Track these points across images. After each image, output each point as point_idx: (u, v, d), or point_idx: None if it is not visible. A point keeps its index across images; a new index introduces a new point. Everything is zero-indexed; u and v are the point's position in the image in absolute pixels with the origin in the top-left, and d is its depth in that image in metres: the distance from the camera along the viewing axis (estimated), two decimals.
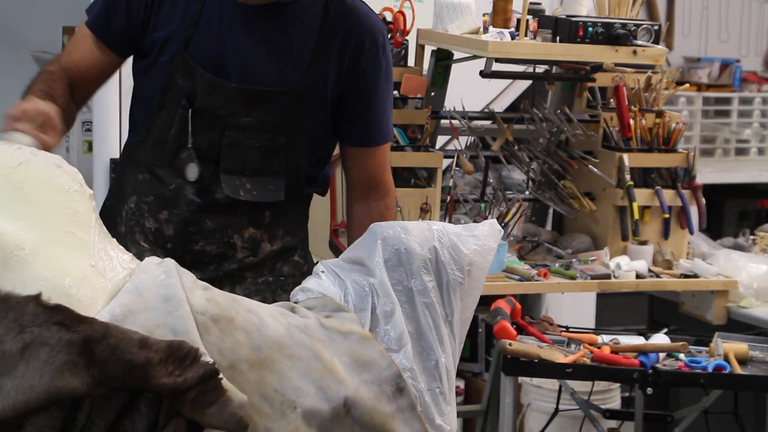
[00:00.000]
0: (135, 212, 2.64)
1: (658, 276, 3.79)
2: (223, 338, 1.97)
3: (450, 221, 3.75)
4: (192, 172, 2.60)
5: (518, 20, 3.61)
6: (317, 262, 2.40)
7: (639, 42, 3.60)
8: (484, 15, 3.68)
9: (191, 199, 2.60)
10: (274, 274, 2.67)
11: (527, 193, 4.03)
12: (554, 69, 3.86)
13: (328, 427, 2.03)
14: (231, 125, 2.58)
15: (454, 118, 3.83)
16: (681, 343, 3.32)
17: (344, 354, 2.09)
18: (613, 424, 3.91)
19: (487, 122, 4.01)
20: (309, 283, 2.27)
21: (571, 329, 3.52)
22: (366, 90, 2.69)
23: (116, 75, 4.30)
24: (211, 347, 1.94)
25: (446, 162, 3.78)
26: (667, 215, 3.89)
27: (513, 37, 3.58)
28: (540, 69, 3.87)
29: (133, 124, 2.74)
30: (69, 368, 1.81)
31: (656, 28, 3.64)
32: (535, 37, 3.61)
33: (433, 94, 3.81)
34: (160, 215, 2.62)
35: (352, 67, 2.65)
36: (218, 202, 2.61)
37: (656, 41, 3.63)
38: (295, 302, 2.22)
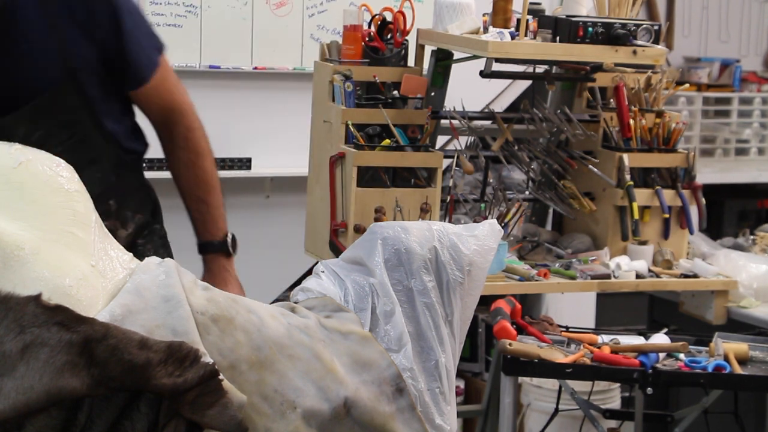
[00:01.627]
0: None
1: (658, 276, 3.79)
2: (223, 338, 1.97)
3: (450, 221, 3.75)
4: None
5: (518, 20, 3.61)
6: (317, 263, 2.40)
7: (639, 42, 3.60)
8: (484, 15, 3.68)
9: None
10: (136, 250, 2.65)
11: (527, 193, 4.03)
12: (554, 69, 3.86)
13: (328, 428, 2.03)
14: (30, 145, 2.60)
15: (454, 118, 3.83)
16: (681, 343, 3.32)
17: (344, 354, 2.09)
18: (613, 424, 3.91)
19: (487, 122, 4.01)
20: (309, 283, 2.27)
21: (571, 329, 3.52)
22: (115, 36, 2.69)
23: None
24: (211, 347, 1.94)
25: (446, 162, 3.78)
26: (667, 215, 3.89)
27: (513, 37, 3.58)
28: (540, 69, 3.87)
29: None
30: (69, 369, 1.81)
31: (656, 28, 3.64)
32: (535, 37, 3.61)
33: (433, 94, 3.81)
34: None
35: (92, 23, 2.64)
36: None
37: (656, 41, 3.63)
38: (295, 302, 2.22)
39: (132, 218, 2.69)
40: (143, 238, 2.73)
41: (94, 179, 2.59)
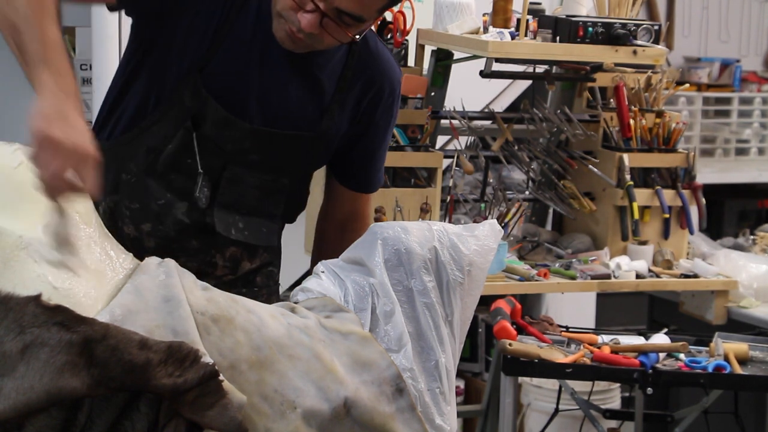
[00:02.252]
0: (114, 213, 2.49)
1: (658, 276, 3.79)
2: (223, 338, 1.97)
3: (450, 221, 3.75)
4: (203, 199, 2.46)
5: (518, 20, 3.61)
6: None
7: (639, 42, 3.60)
8: (484, 15, 3.68)
9: (180, 219, 2.47)
10: (248, 286, 2.61)
11: (527, 193, 4.03)
12: (554, 69, 3.86)
13: (328, 428, 2.03)
14: (236, 160, 2.46)
15: (454, 118, 3.83)
16: (681, 343, 3.32)
17: (344, 354, 2.09)
18: (613, 424, 3.91)
19: (487, 122, 4.01)
20: (309, 283, 2.27)
21: (571, 329, 3.52)
22: (375, 140, 2.61)
23: None
24: (211, 347, 1.94)
25: (446, 162, 3.78)
26: (667, 215, 3.89)
27: (513, 37, 3.58)
28: (540, 69, 3.87)
29: (116, 108, 2.53)
30: (69, 369, 1.80)
31: (656, 28, 3.64)
32: (535, 37, 3.61)
33: (433, 94, 3.81)
34: (143, 226, 2.47)
35: (366, 113, 2.56)
36: (206, 227, 2.49)
37: (656, 41, 3.63)
38: (295, 302, 2.22)
39: (260, 255, 2.64)
40: (261, 275, 2.68)
41: (260, 231, 2.56)
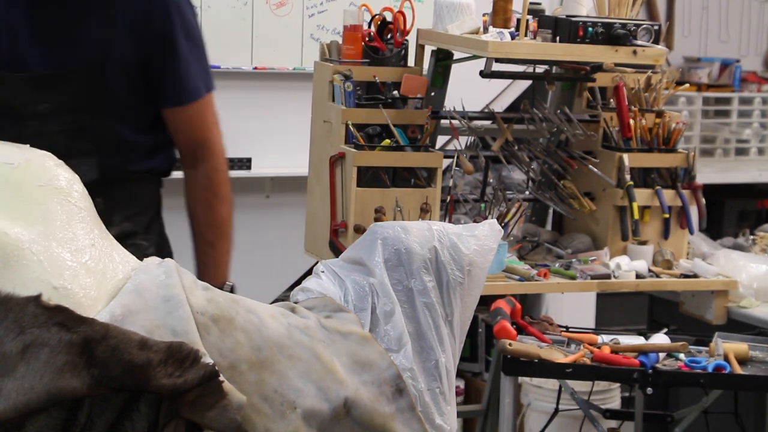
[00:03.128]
0: None
1: (658, 276, 3.79)
2: (224, 339, 1.97)
3: (450, 221, 3.75)
4: None
5: (518, 20, 3.61)
6: (317, 263, 2.40)
7: (639, 42, 3.60)
8: (484, 15, 3.68)
9: None
10: None
11: (527, 193, 4.03)
12: (554, 69, 3.86)
13: (328, 428, 2.03)
14: (28, 115, 2.52)
15: (454, 118, 3.83)
16: (681, 343, 3.32)
17: (344, 354, 2.09)
18: (613, 424, 3.91)
19: (487, 122, 4.01)
20: (309, 283, 2.27)
21: (571, 329, 3.52)
22: (166, 51, 2.68)
23: None
24: (211, 348, 1.94)
25: (446, 162, 3.78)
26: (667, 215, 3.89)
27: (513, 37, 3.58)
28: (540, 69, 3.87)
29: None
30: (69, 369, 1.81)
31: (656, 28, 3.64)
32: (535, 37, 3.61)
33: (433, 94, 3.81)
34: None
35: (146, 30, 2.63)
36: None
37: (656, 41, 3.63)
38: (295, 302, 2.22)
39: (118, 223, 2.66)
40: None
41: (81, 169, 2.56)
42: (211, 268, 2.89)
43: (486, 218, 3.61)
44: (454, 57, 3.80)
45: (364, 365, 2.10)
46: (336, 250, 3.60)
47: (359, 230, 3.53)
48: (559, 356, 3.24)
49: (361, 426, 2.07)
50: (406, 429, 2.09)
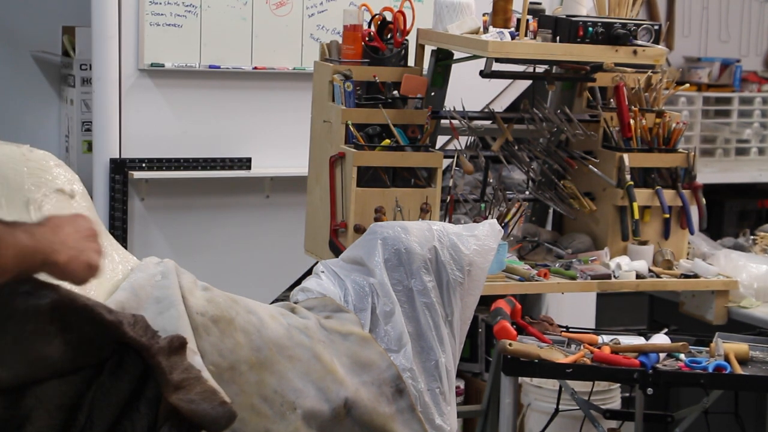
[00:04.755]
0: None
1: (658, 276, 3.79)
2: (223, 339, 1.97)
3: (450, 221, 3.75)
4: None
5: (518, 20, 3.61)
6: (317, 263, 2.40)
7: (639, 42, 3.59)
8: (484, 15, 3.68)
9: None
10: None
11: (527, 193, 4.03)
12: (554, 69, 3.86)
13: (328, 428, 2.04)
14: None
15: (454, 118, 3.82)
16: (681, 343, 3.32)
17: (344, 355, 2.09)
18: (613, 424, 3.90)
19: (487, 122, 4.01)
20: (309, 283, 2.27)
21: (571, 329, 3.52)
22: None
23: (116, 74, 4.37)
24: (211, 348, 1.95)
25: (446, 162, 3.78)
26: (667, 215, 3.88)
27: (513, 37, 3.57)
28: (540, 69, 3.87)
29: None
30: (41, 336, 1.80)
31: (656, 28, 3.64)
32: (535, 37, 3.61)
33: (433, 94, 3.81)
34: None
35: None
36: None
37: (656, 41, 3.63)
38: (295, 302, 2.22)
39: None
40: None
41: None
42: None
43: (486, 218, 3.60)
44: (454, 57, 3.80)
45: (364, 366, 2.10)
46: (336, 250, 3.60)
47: (359, 230, 3.53)
48: (559, 356, 3.23)
49: (361, 426, 2.07)
50: (406, 429, 2.10)
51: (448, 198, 3.79)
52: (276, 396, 2.00)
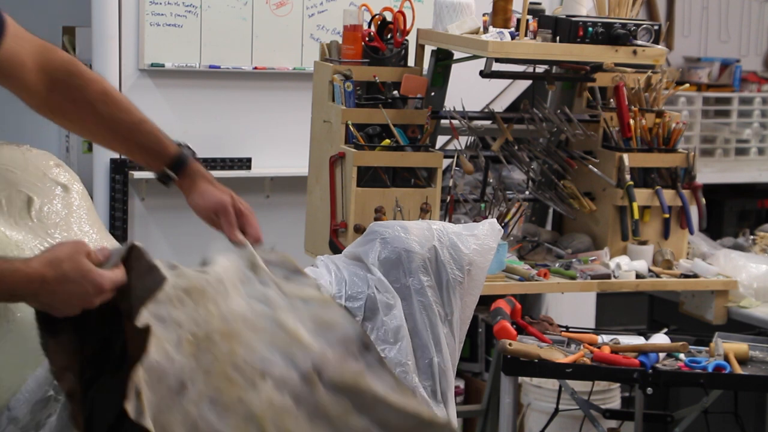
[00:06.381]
0: None
1: (658, 276, 3.79)
2: (197, 309, 1.96)
3: (450, 221, 3.75)
4: None
5: (518, 20, 3.61)
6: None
7: (639, 42, 3.60)
8: (484, 15, 3.68)
9: None
10: None
11: (527, 193, 4.03)
12: (554, 69, 3.86)
13: (301, 393, 2.02)
14: None
15: (454, 118, 3.83)
16: (681, 343, 3.32)
17: (307, 319, 2.07)
18: (613, 424, 3.91)
19: (487, 122, 4.01)
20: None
21: (571, 329, 3.52)
22: None
23: (116, 74, 4.37)
24: (188, 318, 1.93)
25: (446, 162, 3.78)
26: (667, 215, 3.89)
27: (513, 37, 3.58)
28: (540, 69, 3.87)
29: None
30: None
31: (656, 28, 3.64)
32: (535, 37, 3.61)
33: (433, 94, 3.81)
34: None
35: None
36: None
37: (656, 41, 3.63)
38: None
39: None
40: None
41: None
42: (164, 136, 2.33)
43: (486, 218, 3.61)
44: (454, 57, 3.80)
45: (327, 327, 2.08)
46: (336, 250, 3.60)
47: (359, 230, 3.53)
48: (559, 356, 3.23)
49: (334, 387, 2.05)
50: (378, 382, 2.07)
51: (448, 198, 3.79)
52: (246, 366, 1.98)
